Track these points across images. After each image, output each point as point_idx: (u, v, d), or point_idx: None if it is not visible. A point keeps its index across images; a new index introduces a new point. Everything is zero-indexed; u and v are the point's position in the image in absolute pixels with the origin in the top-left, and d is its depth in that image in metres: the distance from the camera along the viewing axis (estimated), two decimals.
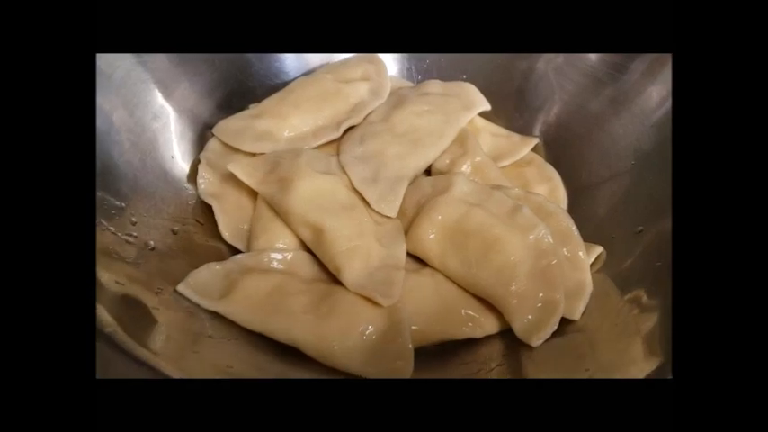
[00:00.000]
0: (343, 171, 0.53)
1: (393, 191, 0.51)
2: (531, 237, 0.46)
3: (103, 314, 0.34)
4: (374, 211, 0.51)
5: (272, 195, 0.50)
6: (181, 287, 0.45)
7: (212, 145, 0.56)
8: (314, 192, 0.49)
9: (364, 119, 0.58)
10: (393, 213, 0.50)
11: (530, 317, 0.44)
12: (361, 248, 0.47)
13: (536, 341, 0.43)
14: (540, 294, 0.44)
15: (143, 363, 0.31)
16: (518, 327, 0.44)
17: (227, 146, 0.56)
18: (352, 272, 0.45)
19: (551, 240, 0.46)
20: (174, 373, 0.32)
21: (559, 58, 0.61)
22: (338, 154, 0.55)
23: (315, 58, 0.64)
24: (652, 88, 0.53)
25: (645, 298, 0.43)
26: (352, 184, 0.52)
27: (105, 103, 0.47)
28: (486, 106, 0.60)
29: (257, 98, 0.61)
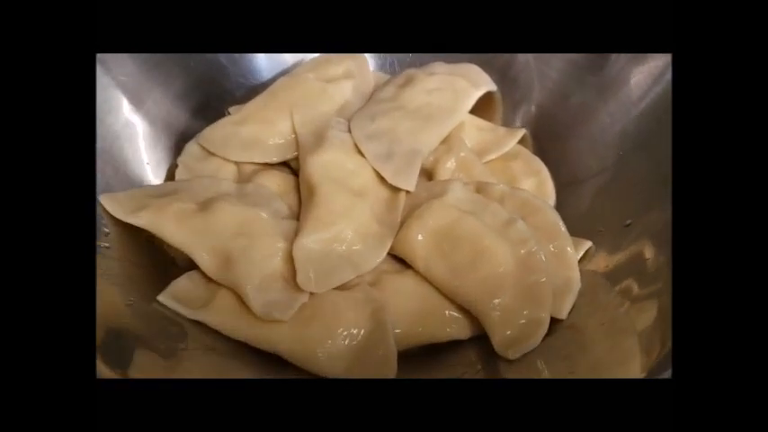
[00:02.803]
0: (357, 149, 0.52)
1: (409, 165, 0.51)
2: (522, 251, 0.45)
3: None
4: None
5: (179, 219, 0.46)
6: (162, 297, 0.44)
7: (191, 149, 0.55)
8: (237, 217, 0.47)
9: (371, 97, 0.58)
10: (411, 187, 0.50)
11: (510, 332, 0.42)
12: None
13: (512, 355, 0.41)
14: (525, 312, 0.43)
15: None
16: (497, 341, 0.42)
17: (205, 150, 0.55)
18: (257, 299, 0.43)
19: (544, 258, 0.44)
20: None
21: None
22: (350, 132, 0.54)
23: (289, 56, 0.63)
24: (638, 76, 0.51)
25: (635, 293, 0.42)
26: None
27: None
28: (493, 86, 0.59)
29: (236, 100, 0.59)
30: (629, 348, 0.39)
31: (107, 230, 0.45)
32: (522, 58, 0.60)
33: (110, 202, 0.46)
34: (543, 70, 0.59)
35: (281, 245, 0.46)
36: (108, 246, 0.44)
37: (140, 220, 0.46)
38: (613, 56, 0.54)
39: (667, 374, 0.32)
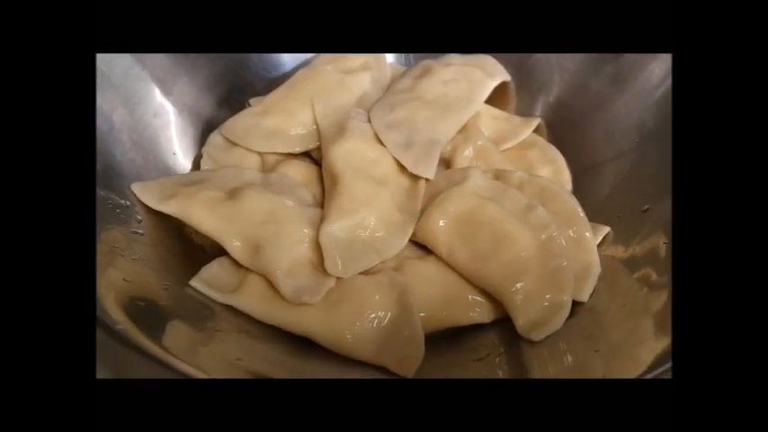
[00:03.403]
0: (377, 138, 0.53)
1: (428, 154, 0.52)
2: (543, 236, 0.46)
3: (114, 311, 0.34)
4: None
5: (211, 206, 0.47)
6: (194, 282, 0.45)
7: (214, 139, 0.56)
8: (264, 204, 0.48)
9: (389, 88, 0.59)
10: (430, 175, 0.51)
11: (533, 315, 0.43)
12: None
13: (536, 337, 0.42)
14: (548, 295, 0.44)
15: (154, 358, 0.32)
16: (521, 324, 0.43)
17: (228, 140, 0.56)
18: (286, 283, 0.44)
19: (564, 243, 0.45)
20: (185, 367, 0.32)
21: None
22: (369, 122, 0.55)
23: None
24: (654, 64, 0.52)
25: (653, 277, 0.43)
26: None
27: (105, 102, 0.47)
28: (507, 77, 0.61)
29: (257, 92, 0.60)
30: (649, 330, 0.40)
31: (140, 218, 0.46)
32: None
33: (141, 191, 0.47)
34: (560, 61, 0.59)
35: (307, 231, 0.47)
36: (142, 233, 0.45)
37: (170, 207, 0.47)
38: None
39: (667, 374, 0.32)
